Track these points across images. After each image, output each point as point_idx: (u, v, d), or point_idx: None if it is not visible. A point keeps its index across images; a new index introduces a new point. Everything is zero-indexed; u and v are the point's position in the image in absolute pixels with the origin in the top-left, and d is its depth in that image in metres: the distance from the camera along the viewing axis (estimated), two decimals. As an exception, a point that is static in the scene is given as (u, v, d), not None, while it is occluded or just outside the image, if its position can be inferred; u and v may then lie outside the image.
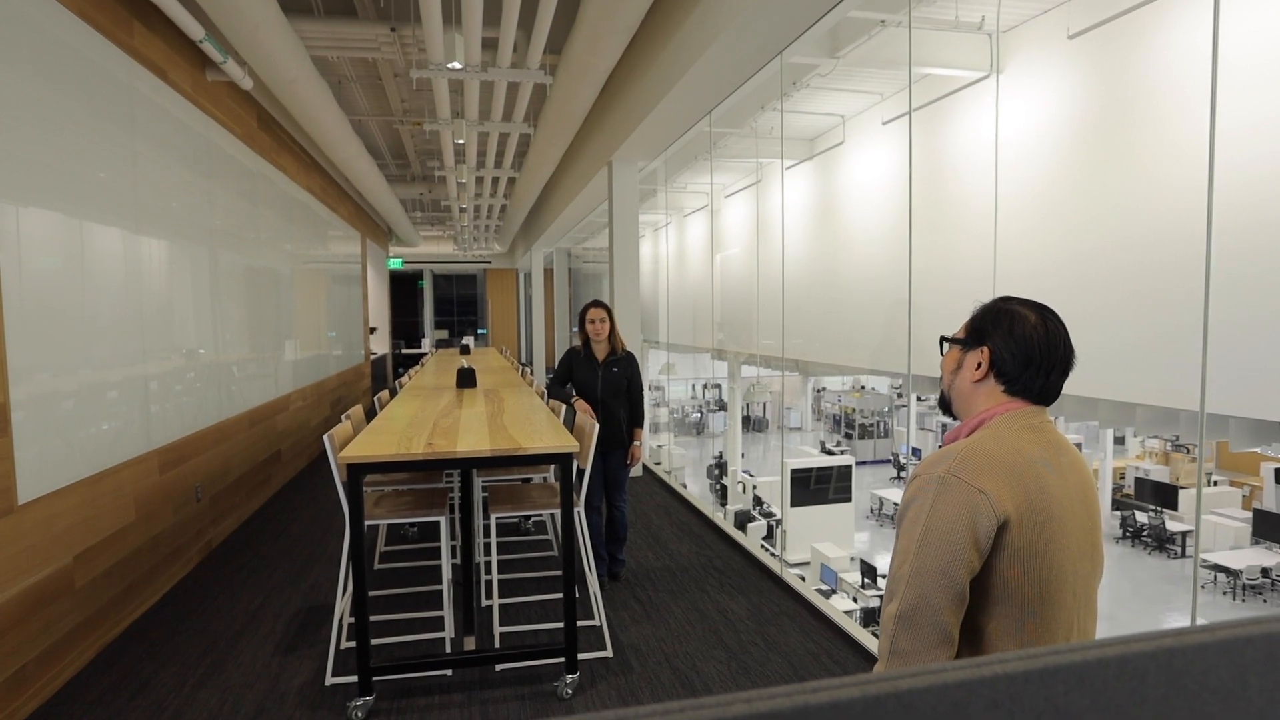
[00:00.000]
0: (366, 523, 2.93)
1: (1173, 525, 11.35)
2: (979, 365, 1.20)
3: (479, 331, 21.83)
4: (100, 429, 3.40)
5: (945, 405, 1.29)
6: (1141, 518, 11.66)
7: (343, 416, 3.40)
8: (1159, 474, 12.86)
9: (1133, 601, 10.13)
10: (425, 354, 12.57)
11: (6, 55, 2.77)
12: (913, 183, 5.44)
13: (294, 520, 5.45)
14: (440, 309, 22.31)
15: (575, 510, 3.06)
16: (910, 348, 3.97)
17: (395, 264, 17.14)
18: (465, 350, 9.05)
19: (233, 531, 5.15)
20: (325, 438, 2.86)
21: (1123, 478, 13.21)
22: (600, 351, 4.04)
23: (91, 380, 3.34)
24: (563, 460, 2.87)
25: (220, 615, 3.72)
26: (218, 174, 5.03)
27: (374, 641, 3.33)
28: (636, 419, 4.09)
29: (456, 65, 4.77)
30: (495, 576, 3.36)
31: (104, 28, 3.49)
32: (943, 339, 1.29)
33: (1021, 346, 1.17)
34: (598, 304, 4.07)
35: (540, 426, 3.22)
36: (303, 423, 7.27)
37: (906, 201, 5.07)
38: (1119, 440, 14.13)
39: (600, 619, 3.46)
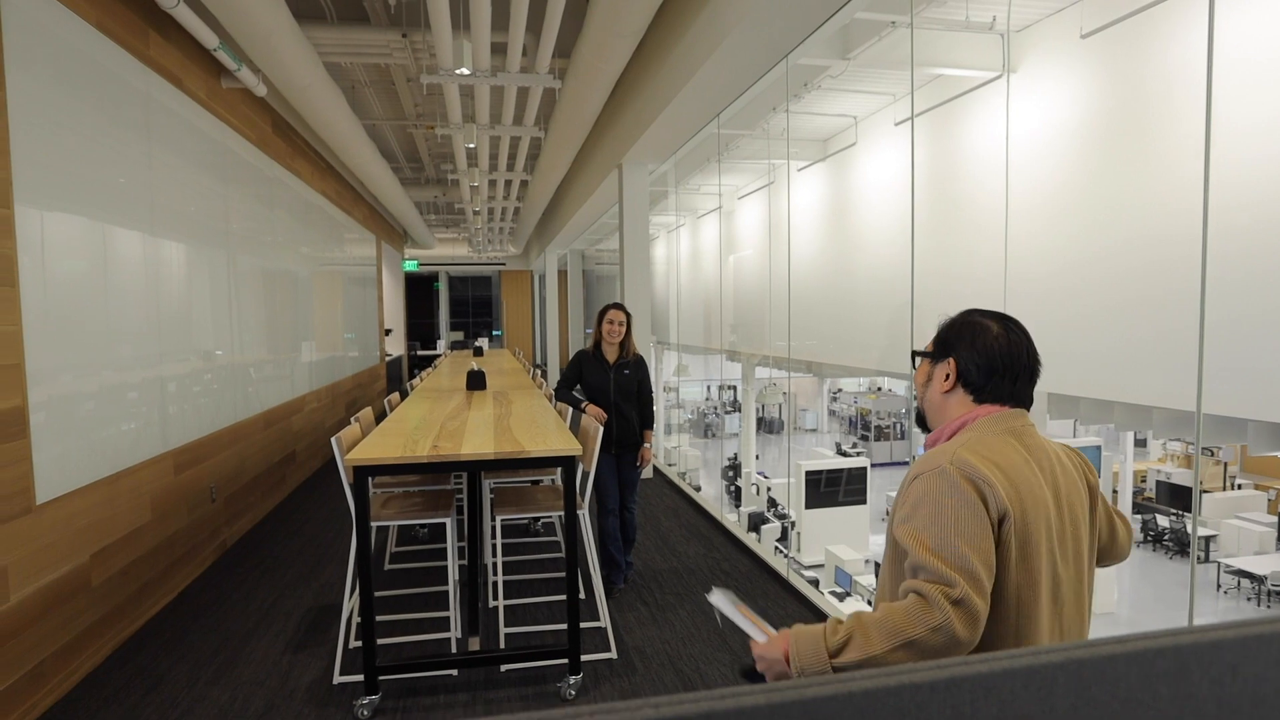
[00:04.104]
0: (375, 524, 2.97)
1: (1194, 529, 11.14)
2: (946, 376, 1.23)
3: (494, 333, 21.96)
4: (118, 430, 3.47)
5: (920, 419, 1.31)
6: (1163, 521, 11.48)
7: (351, 419, 3.44)
8: (1181, 477, 12.64)
9: (1155, 606, 9.97)
10: (440, 355, 12.70)
11: (28, 65, 2.84)
12: (916, 185, 5.40)
13: (308, 520, 5.53)
14: (456, 310, 22.47)
15: (579, 512, 3.08)
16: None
17: (410, 266, 17.29)
18: (479, 352, 9.12)
19: (247, 531, 5.23)
20: (333, 440, 2.90)
21: (1143, 481, 13.01)
22: (611, 354, 4.05)
23: (111, 382, 3.42)
24: (566, 463, 2.89)
25: (233, 613, 3.78)
26: (234, 179, 5.11)
27: (381, 641, 3.37)
28: (647, 420, 4.11)
29: (465, 71, 4.81)
30: (501, 578, 3.39)
31: (121, 38, 3.57)
32: (914, 353, 1.33)
33: (984, 357, 1.20)
34: (618, 306, 4.09)
35: (546, 429, 3.24)
36: (318, 424, 7.36)
37: (918, 202, 5.04)
38: (1140, 443, 13.92)
39: (605, 620, 3.47)
